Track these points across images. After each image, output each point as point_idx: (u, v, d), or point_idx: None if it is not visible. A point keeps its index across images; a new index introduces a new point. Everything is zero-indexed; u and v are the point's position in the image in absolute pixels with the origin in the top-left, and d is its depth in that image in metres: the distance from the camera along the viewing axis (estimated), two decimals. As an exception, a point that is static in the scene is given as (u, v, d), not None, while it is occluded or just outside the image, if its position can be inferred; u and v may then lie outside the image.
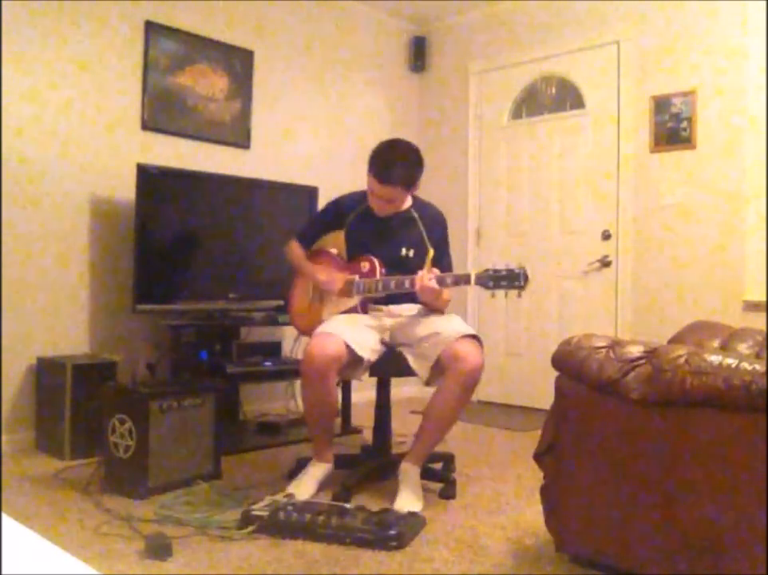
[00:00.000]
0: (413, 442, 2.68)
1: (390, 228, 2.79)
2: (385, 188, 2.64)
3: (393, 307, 2.76)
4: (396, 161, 2.65)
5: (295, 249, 2.97)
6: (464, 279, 2.47)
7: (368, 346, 2.60)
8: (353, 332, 2.59)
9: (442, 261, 2.78)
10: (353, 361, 2.57)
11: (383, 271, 2.72)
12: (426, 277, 2.50)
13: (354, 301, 2.75)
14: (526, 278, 2.35)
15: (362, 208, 2.84)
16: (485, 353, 2.57)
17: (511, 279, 2.36)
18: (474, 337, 2.56)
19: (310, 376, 2.53)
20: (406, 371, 2.64)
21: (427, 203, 2.94)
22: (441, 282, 2.50)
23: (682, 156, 3.97)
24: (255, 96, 4.26)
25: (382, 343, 2.70)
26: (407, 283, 2.57)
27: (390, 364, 2.69)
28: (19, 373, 3.34)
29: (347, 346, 2.52)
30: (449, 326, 2.60)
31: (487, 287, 2.40)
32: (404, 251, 2.76)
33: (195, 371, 3.47)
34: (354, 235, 2.85)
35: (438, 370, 2.54)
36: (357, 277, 2.75)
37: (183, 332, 3.52)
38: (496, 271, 2.39)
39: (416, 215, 2.82)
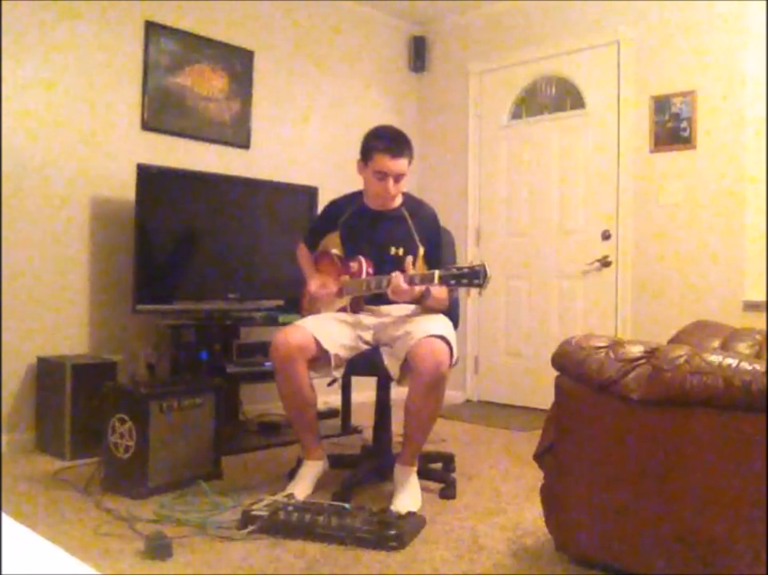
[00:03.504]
0: (402, 443, 2.67)
1: (380, 227, 2.80)
2: (397, 162, 2.67)
3: (384, 307, 2.74)
4: (398, 134, 2.76)
5: (302, 251, 3.04)
6: (429, 278, 2.43)
7: (337, 342, 2.61)
8: (322, 326, 2.62)
9: (437, 259, 2.75)
10: (322, 355, 2.59)
11: (370, 271, 2.72)
12: (399, 278, 2.48)
13: (345, 301, 2.77)
14: (485, 275, 2.30)
15: (355, 208, 2.86)
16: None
17: (471, 278, 2.32)
18: (441, 338, 2.50)
19: (276, 366, 2.58)
20: (382, 370, 2.63)
21: (419, 201, 2.93)
22: (410, 281, 2.48)
23: (682, 156, 3.97)
24: (255, 96, 4.26)
25: (366, 341, 2.71)
26: (384, 283, 2.56)
27: (367, 363, 2.68)
28: (19, 373, 3.34)
29: (315, 340, 2.55)
30: (421, 326, 2.55)
31: (449, 286, 2.39)
32: (393, 250, 2.75)
33: (195, 371, 3.47)
34: (348, 235, 2.87)
35: (407, 369, 2.53)
36: (347, 278, 2.76)
37: (183, 332, 3.53)
38: (458, 269, 2.35)
39: (406, 213, 2.81)
